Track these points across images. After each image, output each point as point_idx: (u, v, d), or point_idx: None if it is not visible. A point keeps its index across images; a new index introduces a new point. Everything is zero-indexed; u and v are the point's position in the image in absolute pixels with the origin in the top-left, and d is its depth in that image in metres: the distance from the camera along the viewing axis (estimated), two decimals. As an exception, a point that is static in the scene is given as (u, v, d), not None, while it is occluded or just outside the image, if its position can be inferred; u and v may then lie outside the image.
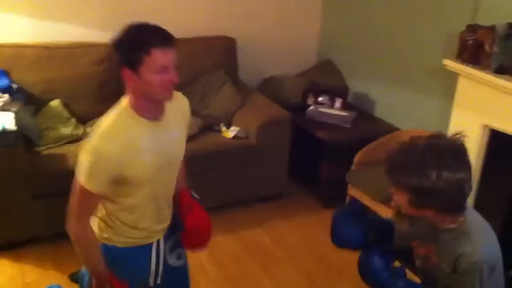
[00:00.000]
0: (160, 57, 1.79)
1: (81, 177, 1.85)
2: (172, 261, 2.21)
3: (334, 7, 4.61)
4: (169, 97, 1.89)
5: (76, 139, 3.42)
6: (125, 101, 1.91)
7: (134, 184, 1.91)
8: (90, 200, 1.91)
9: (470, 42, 2.98)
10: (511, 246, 3.11)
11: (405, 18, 3.90)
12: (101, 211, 2.02)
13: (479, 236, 1.80)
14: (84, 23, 3.86)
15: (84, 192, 1.86)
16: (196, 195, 2.25)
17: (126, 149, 1.84)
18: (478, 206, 3.18)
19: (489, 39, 2.90)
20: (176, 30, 4.17)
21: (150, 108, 1.90)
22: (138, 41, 1.80)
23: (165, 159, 1.97)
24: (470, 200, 3.19)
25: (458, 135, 1.79)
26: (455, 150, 1.75)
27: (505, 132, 2.94)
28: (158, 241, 2.11)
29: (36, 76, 3.59)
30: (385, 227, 2.17)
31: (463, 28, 3.04)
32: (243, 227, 3.62)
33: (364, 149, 3.70)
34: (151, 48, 1.77)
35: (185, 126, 2.12)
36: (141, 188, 1.94)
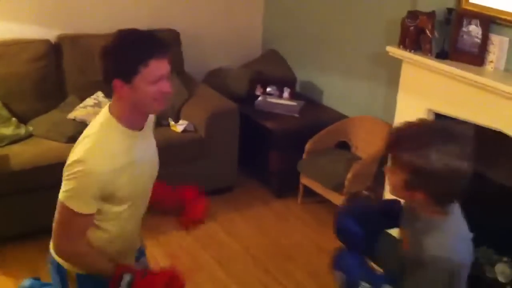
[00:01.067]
0: (157, 67, 1.70)
1: (72, 200, 1.73)
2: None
3: (277, -3, 4.62)
4: (162, 109, 1.80)
5: (18, 139, 3.32)
6: (107, 111, 1.79)
7: (121, 200, 1.81)
8: (82, 222, 1.78)
9: (411, 28, 3.03)
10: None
11: (347, 6, 3.94)
12: None
13: (451, 238, 1.74)
14: (19, 19, 3.70)
15: (76, 215, 1.74)
16: None
17: (117, 165, 1.75)
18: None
19: (430, 24, 2.96)
20: (118, 24, 4.08)
21: (138, 119, 1.81)
22: (135, 51, 1.69)
23: (152, 168, 1.96)
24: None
25: (469, 126, 1.75)
26: (465, 140, 1.69)
27: (448, 115, 3.01)
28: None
29: (-28, 75, 3.43)
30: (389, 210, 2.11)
31: (404, 14, 3.09)
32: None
33: (314, 138, 3.73)
34: (149, 59, 1.68)
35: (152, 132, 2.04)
36: (124, 204, 1.84)
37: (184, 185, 2.17)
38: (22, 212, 3.15)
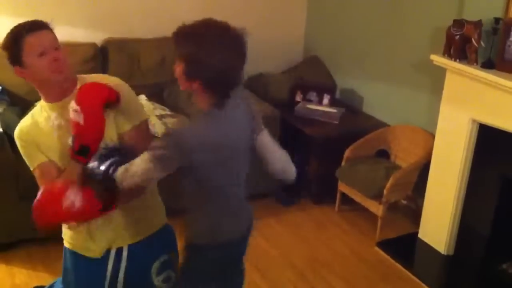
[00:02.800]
0: (34, 42, 1.85)
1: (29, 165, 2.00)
2: (158, 283, 2.12)
3: (319, 3, 4.61)
4: (62, 76, 1.90)
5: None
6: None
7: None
8: (44, 172, 1.97)
9: (457, 37, 2.99)
10: (501, 238, 3.15)
11: (391, 13, 3.91)
12: None
13: (211, 125, 1.81)
14: (69, 23, 3.81)
15: (37, 172, 1.98)
16: None
17: (39, 127, 1.96)
18: (468, 199, 3.22)
19: (476, 34, 2.91)
20: (163, 28, 4.15)
21: (55, 92, 1.93)
22: (12, 36, 1.88)
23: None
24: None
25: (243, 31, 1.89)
26: (237, 39, 1.87)
27: (493, 126, 2.96)
28: (118, 249, 2.06)
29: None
30: None
31: (450, 23, 3.05)
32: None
33: (353, 145, 3.72)
34: (23, 38, 1.84)
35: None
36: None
37: None
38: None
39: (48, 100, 1.96)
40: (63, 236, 2.13)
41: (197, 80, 1.78)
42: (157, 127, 3.44)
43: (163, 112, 3.70)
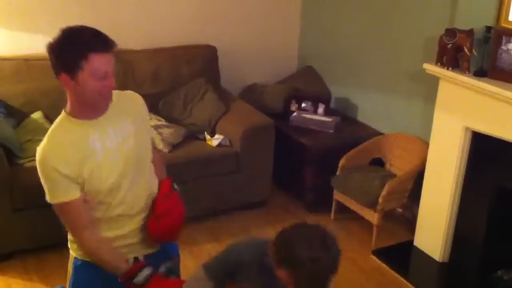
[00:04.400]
0: (98, 61, 1.73)
1: (49, 196, 1.83)
2: None
3: (312, 13, 4.64)
4: (108, 104, 1.85)
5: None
6: (63, 112, 1.87)
7: (93, 184, 1.85)
8: (72, 210, 1.85)
9: (449, 46, 3.02)
10: (496, 245, 3.16)
11: (384, 23, 3.94)
12: None
13: None
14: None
15: (62, 207, 1.84)
16: (176, 186, 2.16)
17: (73, 149, 1.80)
18: (463, 207, 3.23)
19: (468, 42, 2.94)
20: (157, 39, 4.19)
21: (88, 111, 1.84)
22: (75, 44, 1.73)
23: (121, 154, 1.89)
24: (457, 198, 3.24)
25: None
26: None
27: (485, 133, 2.98)
28: (135, 258, 2.03)
29: (15, 88, 3.56)
30: None
31: (442, 32, 3.08)
32: (229, 234, 3.60)
33: (348, 154, 3.73)
34: (89, 52, 1.72)
35: (142, 120, 2.03)
36: (102, 188, 1.87)
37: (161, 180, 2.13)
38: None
39: (78, 116, 1.83)
40: (74, 249, 2.04)
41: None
42: (154, 138, 3.45)
43: (158, 123, 3.71)
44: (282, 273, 1.78)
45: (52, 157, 1.78)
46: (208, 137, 3.76)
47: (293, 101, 4.30)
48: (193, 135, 3.80)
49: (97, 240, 1.92)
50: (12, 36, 3.69)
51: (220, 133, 3.80)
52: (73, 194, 1.83)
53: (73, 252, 2.06)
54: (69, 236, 2.03)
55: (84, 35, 1.76)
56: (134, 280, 1.91)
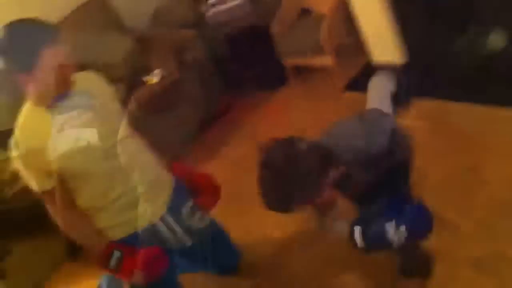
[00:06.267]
0: (53, 57, 1.75)
1: (32, 184, 1.88)
2: (197, 224, 2.19)
3: None
4: (67, 90, 1.85)
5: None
6: (25, 105, 1.88)
7: (77, 166, 1.88)
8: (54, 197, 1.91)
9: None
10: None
11: None
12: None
13: None
14: None
15: (45, 194, 1.89)
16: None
17: (44, 138, 1.82)
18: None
19: None
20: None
21: (48, 97, 1.84)
22: (29, 43, 1.73)
23: (103, 127, 1.92)
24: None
25: None
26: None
27: None
28: (162, 217, 2.09)
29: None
30: None
31: None
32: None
33: (276, 19, 3.70)
34: (43, 50, 1.73)
35: (108, 98, 2.04)
36: (89, 166, 1.91)
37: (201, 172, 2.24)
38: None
39: (39, 104, 1.84)
40: (109, 232, 2.05)
41: None
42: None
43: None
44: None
45: (27, 144, 1.84)
46: (146, 79, 3.67)
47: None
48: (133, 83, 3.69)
49: (76, 217, 1.98)
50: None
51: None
52: (50, 182, 1.89)
53: (112, 235, 2.07)
54: (105, 221, 2.06)
55: (34, 30, 1.77)
56: (109, 266, 1.98)
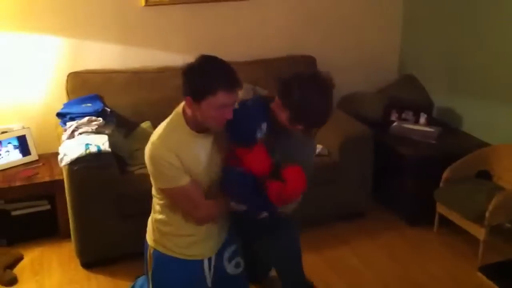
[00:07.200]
0: (223, 98, 1.93)
1: (167, 183, 2.05)
2: (231, 269, 2.33)
3: (414, 21, 4.54)
4: (221, 129, 2.05)
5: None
6: (180, 109, 2.08)
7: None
8: (191, 190, 2.07)
9: None
10: None
11: (489, 28, 3.77)
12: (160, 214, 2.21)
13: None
14: (170, 49, 4.01)
15: (182, 189, 2.04)
16: None
17: (180, 147, 2.03)
18: None
19: None
20: (259, 52, 4.26)
21: (200, 127, 2.07)
22: (208, 79, 1.93)
23: (215, 169, 2.13)
24: None
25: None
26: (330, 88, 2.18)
27: None
28: (210, 259, 2.26)
29: (125, 100, 3.76)
30: None
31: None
32: (328, 246, 3.59)
33: (452, 165, 3.59)
34: (218, 90, 1.90)
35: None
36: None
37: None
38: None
39: (194, 129, 2.06)
40: (169, 247, 2.24)
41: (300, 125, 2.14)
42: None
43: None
44: (283, 116, 2.10)
45: (167, 153, 2.01)
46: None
47: (394, 111, 4.22)
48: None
49: (210, 206, 2.15)
50: (122, 51, 3.92)
51: (318, 143, 3.80)
52: (186, 178, 2.05)
53: (152, 244, 2.28)
54: (170, 239, 2.23)
55: (218, 70, 1.96)
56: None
